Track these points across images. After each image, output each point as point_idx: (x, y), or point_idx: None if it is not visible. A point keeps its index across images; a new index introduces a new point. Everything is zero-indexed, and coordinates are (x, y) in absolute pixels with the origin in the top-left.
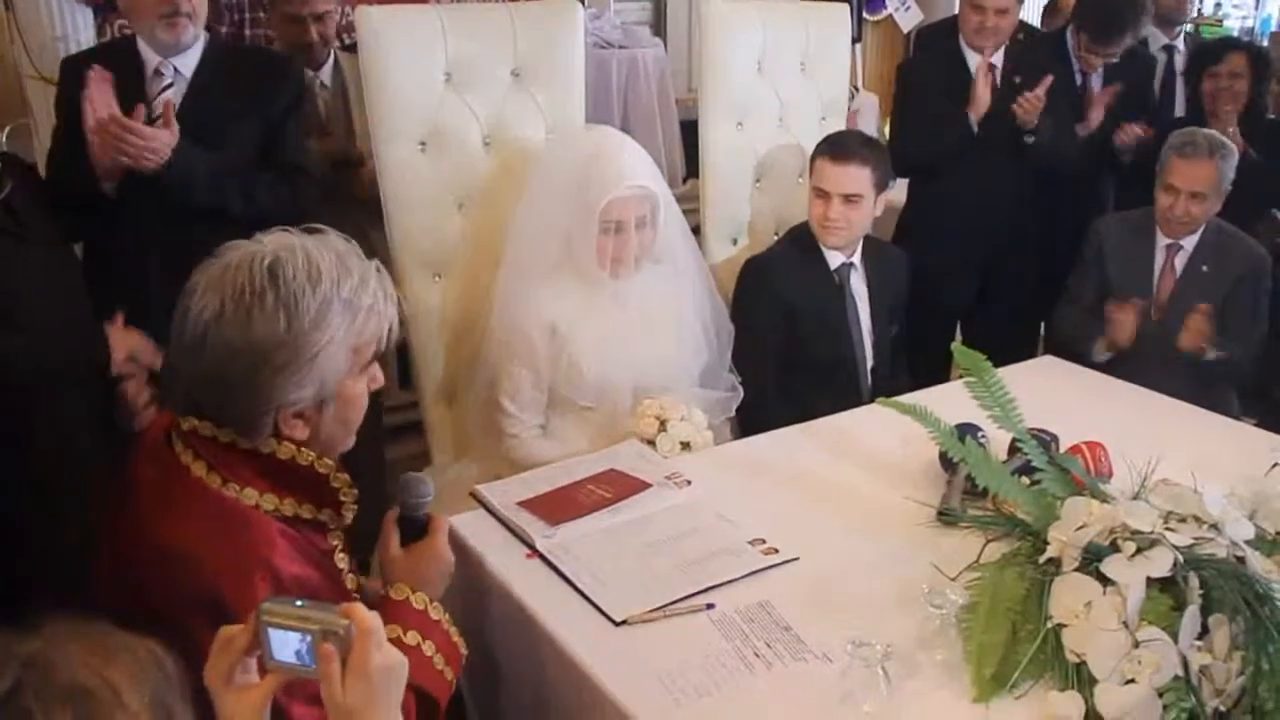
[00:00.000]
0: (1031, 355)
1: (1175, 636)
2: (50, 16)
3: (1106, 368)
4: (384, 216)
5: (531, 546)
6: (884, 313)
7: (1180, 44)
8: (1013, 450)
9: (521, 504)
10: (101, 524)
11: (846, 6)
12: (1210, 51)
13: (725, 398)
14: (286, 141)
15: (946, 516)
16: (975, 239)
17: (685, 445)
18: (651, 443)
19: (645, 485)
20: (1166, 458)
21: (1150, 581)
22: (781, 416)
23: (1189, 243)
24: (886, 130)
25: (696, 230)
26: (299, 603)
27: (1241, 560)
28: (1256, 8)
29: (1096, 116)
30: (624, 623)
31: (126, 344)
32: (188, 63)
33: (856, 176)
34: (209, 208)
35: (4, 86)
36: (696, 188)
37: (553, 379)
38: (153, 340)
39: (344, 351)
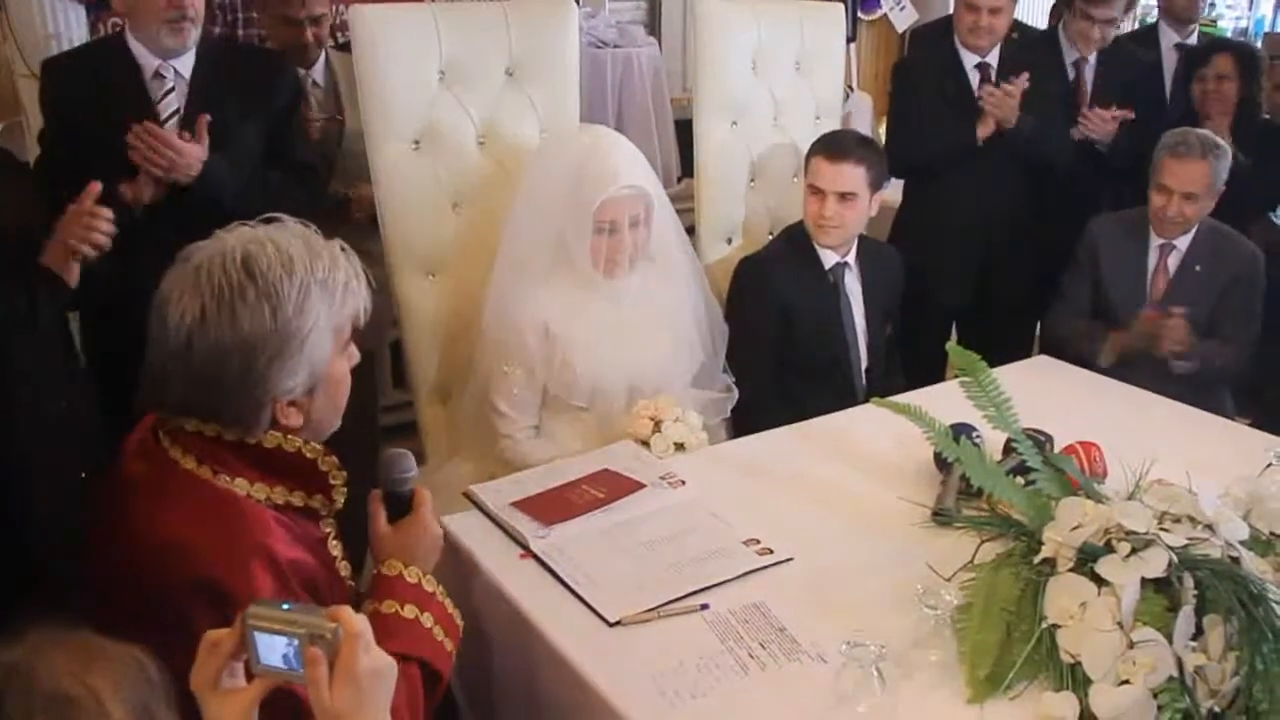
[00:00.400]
0: (1027, 355)
1: (1170, 637)
2: (43, 15)
3: (1101, 368)
4: (378, 216)
5: (525, 547)
6: (879, 313)
7: (1194, 42)
8: (1008, 450)
9: (515, 504)
10: (90, 525)
11: (841, 6)
12: (1198, 53)
13: (720, 398)
14: (294, 141)
15: (941, 517)
16: (971, 239)
17: (680, 446)
18: (646, 443)
19: (639, 486)
20: (1161, 458)
21: (1145, 582)
22: (776, 417)
23: (1182, 243)
24: (881, 131)
25: (691, 230)
26: (286, 606)
27: (1236, 561)
28: (1250, 8)
29: (1097, 122)
30: (618, 623)
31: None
32: (185, 64)
33: (851, 175)
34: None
35: None
36: (691, 187)
37: (546, 379)
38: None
39: (328, 333)
